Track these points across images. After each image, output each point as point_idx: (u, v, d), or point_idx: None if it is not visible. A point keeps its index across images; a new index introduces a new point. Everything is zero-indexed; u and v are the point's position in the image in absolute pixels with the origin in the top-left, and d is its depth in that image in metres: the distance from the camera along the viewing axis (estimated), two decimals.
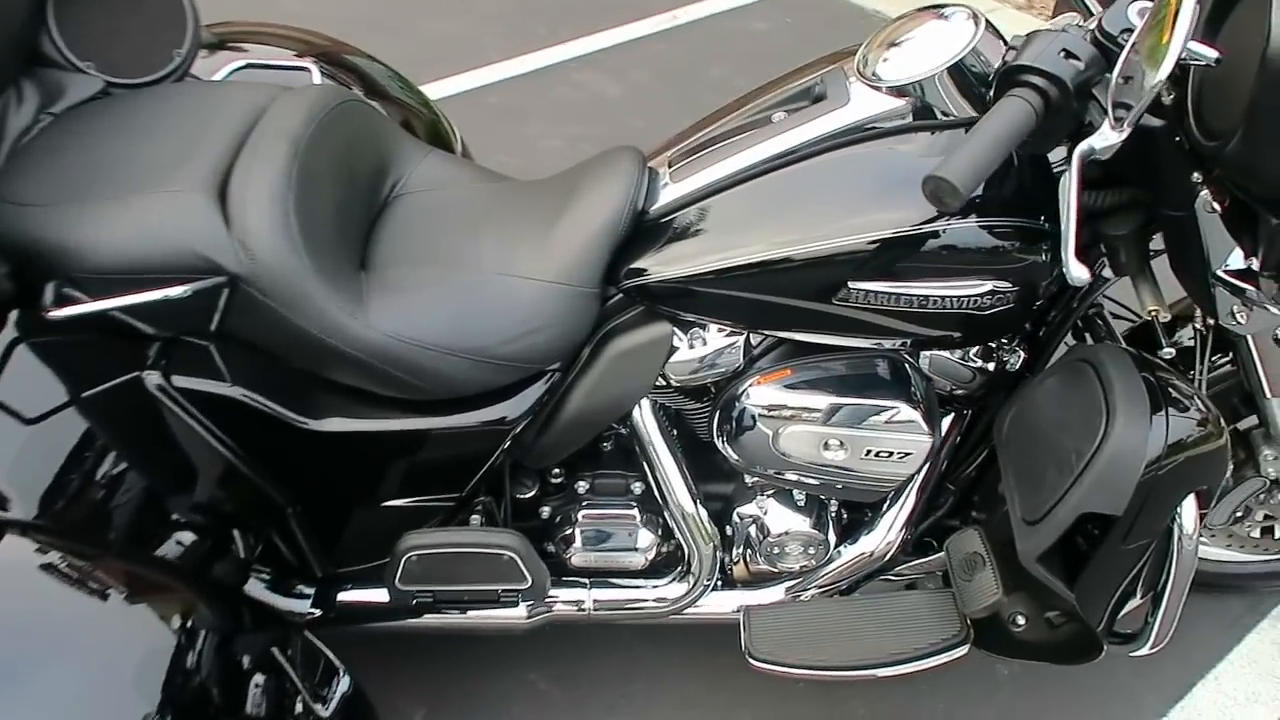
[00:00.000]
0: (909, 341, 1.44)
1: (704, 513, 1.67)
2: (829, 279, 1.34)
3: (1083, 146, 1.15)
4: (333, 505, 1.59)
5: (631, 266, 1.45)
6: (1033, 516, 1.36)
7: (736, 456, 1.55)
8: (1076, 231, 1.17)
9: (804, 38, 3.95)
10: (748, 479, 1.69)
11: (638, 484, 1.71)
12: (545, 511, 1.74)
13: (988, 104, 1.22)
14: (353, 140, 1.52)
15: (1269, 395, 1.58)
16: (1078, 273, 1.18)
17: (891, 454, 1.47)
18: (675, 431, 1.66)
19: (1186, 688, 1.97)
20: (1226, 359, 1.67)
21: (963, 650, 1.62)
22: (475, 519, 1.66)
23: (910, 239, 1.31)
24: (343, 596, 1.68)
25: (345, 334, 1.36)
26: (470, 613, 1.67)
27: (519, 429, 1.53)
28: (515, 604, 1.65)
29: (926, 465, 1.60)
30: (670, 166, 1.49)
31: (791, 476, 1.55)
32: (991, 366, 1.54)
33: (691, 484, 1.66)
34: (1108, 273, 1.49)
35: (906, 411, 1.45)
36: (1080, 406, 1.34)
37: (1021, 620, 1.58)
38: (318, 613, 1.66)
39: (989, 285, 1.32)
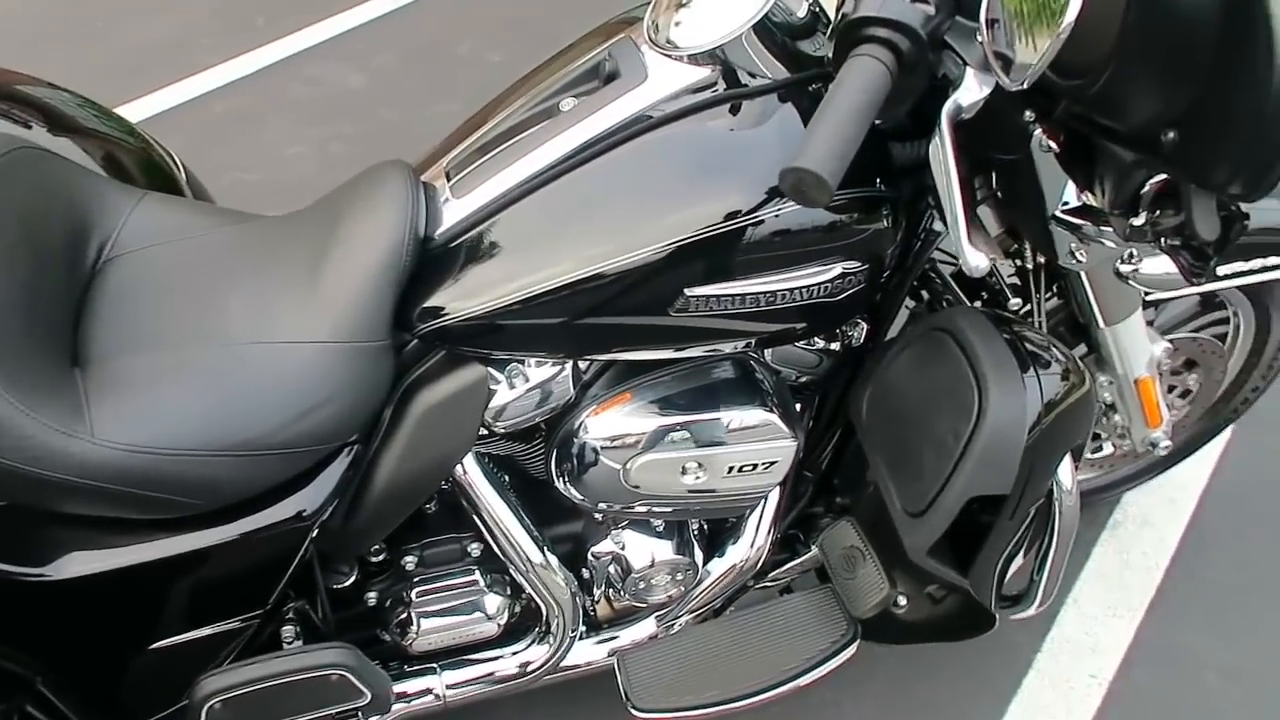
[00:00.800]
0: (753, 341, 1.28)
1: (554, 560, 1.47)
2: (659, 290, 1.16)
3: (949, 106, 1.01)
4: (94, 662, 1.26)
5: (425, 306, 1.20)
6: (916, 508, 1.25)
7: (582, 497, 1.36)
8: (965, 207, 1.03)
9: (556, 3, 3.73)
10: (595, 515, 1.50)
11: (474, 545, 1.48)
12: (371, 598, 1.48)
13: (826, 64, 1.06)
14: (30, 200, 1.18)
15: (1102, 325, 1.54)
16: (974, 258, 1.04)
17: (755, 466, 1.32)
18: (505, 477, 1.45)
19: (1051, 619, 1.97)
20: (1050, 294, 1.63)
21: (853, 649, 1.52)
22: (288, 630, 1.38)
23: (743, 229, 1.14)
24: None
25: (63, 459, 1.05)
26: None
27: (320, 520, 1.27)
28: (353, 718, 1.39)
29: None
30: (449, 180, 1.25)
31: (646, 508, 1.37)
32: (836, 346, 1.41)
33: (535, 532, 1.45)
34: (938, 226, 1.38)
35: (762, 415, 1.29)
36: (946, 381, 1.23)
37: (903, 600, 1.49)
38: None
39: (838, 267, 1.17)
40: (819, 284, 1.17)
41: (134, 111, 2.85)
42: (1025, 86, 0.94)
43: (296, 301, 1.19)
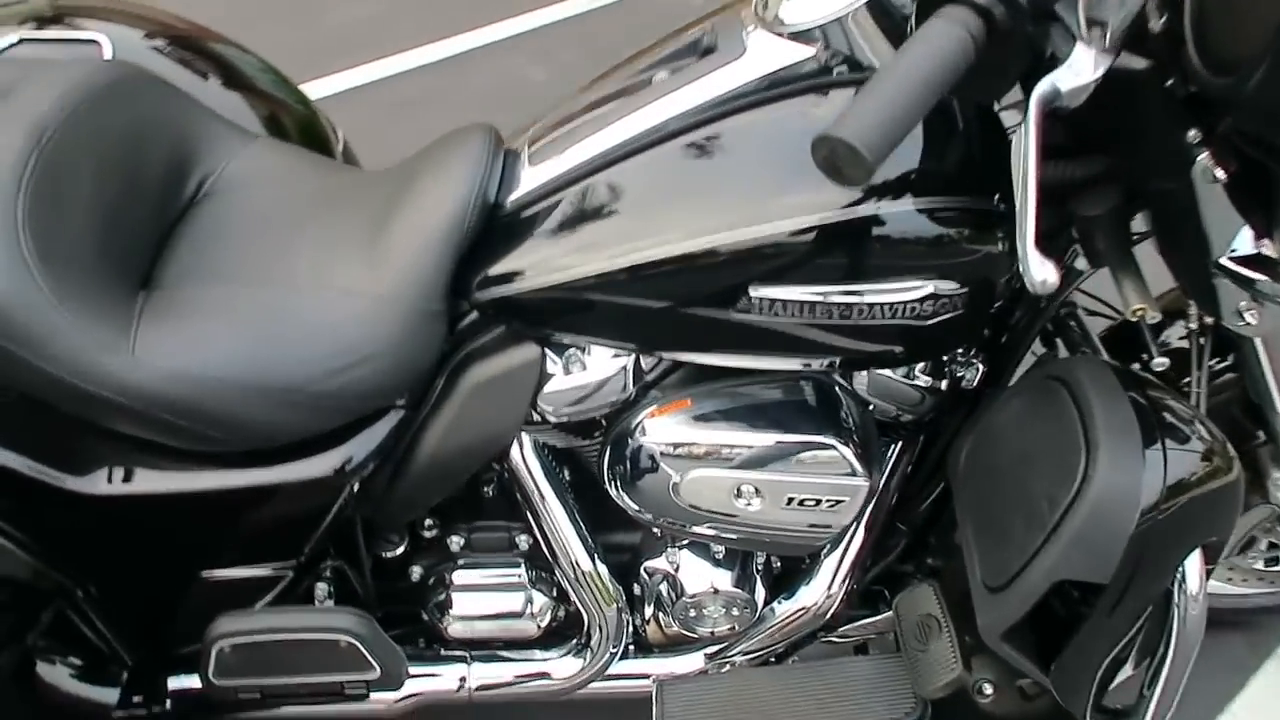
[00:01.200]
0: (837, 360, 1.14)
1: (604, 570, 1.37)
2: (724, 285, 1.04)
3: (1043, 88, 0.84)
4: (133, 582, 1.28)
5: (485, 274, 1.14)
6: (996, 582, 1.07)
7: (635, 506, 1.25)
8: (1037, 213, 0.87)
9: None
10: (654, 528, 1.39)
11: (523, 536, 1.40)
12: (415, 572, 1.43)
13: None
14: (136, 128, 1.21)
15: (1279, 407, 1.29)
16: (1038, 271, 0.87)
17: (819, 502, 1.17)
18: (565, 472, 1.36)
19: None
20: (1225, 363, 1.38)
21: None
22: (321, 588, 1.35)
23: (821, 231, 1.01)
24: (160, 686, 1.36)
25: (103, 376, 1.05)
26: (314, 708, 1.36)
27: (360, 481, 1.23)
28: (363, 697, 1.34)
29: (870, 508, 1.31)
30: (530, 146, 1.19)
31: (703, 530, 1.25)
32: (944, 384, 1.24)
33: (587, 535, 1.36)
34: (1081, 263, 1.19)
35: (835, 449, 1.15)
36: (1052, 439, 1.04)
37: (988, 689, 1.30)
38: (131, 707, 1.35)
39: (928, 287, 1.02)
40: (903, 303, 1.02)
41: (325, 86, 2.99)
42: (1109, 57, 0.76)
43: (359, 254, 1.16)
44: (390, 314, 1.13)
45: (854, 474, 1.16)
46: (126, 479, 1.16)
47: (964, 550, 1.16)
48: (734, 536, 1.25)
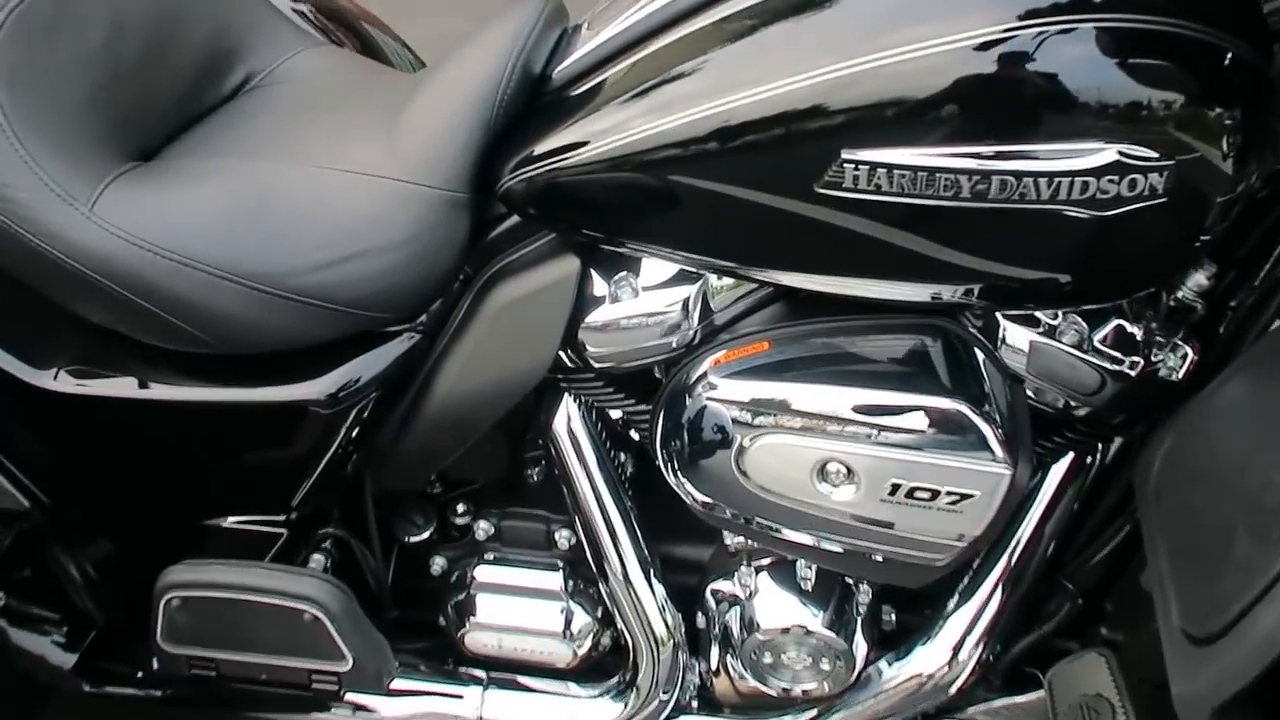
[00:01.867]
0: (973, 292, 0.81)
1: (660, 589, 1.08)
2: (817, 150, 0.75)
3: None
4: (96, 514, 1.08)
5: (519, 156, 0.90)
6: (1204, 630, 0.69)
7: (690, 487, 0.95)
8: None
9: None
10: (727, 538, 1.08)
11: (564, 532, 1.12)
12: (438, 564, 1.18)
13: None
14: (174, 5, 1.07)
15: None
16: None
17: (936, 494, 0.83)
18: (620, 458, 1.09)
19: None
20: None
21: None
22: (317, 560, 1.12)
23: (954, 57, 0.70)
24: (130, 653, 1.15)
25: (52, 229, 0.88)
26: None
27: (361, 421, 0.99)
28: (337, 695, 1.07)
29: (1018, 534, 0.96)
30: (593, 16, 0.95)
31: (774, 528, 0.93)
32: (1135, 368, 0.88)
33: (641, 539, 1.07)
34: None
35: (964, 414, 0.81)
36: None
37: None
38: (89, 674, 1.14)
39: (1111, 151, 0.68)
40: (1072, 175, 0.69)
41: None
42: None
43: (380, 134, 0.96)
44: (398, 198, 0.91)
45: (990, 455, 0.81)
46: (81, 376, 0.97)
47: (1155, 592, 0.78)
48: (815, 543, 0.92)
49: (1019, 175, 0.69)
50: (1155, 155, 0.68)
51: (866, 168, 0.72)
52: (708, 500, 0.95)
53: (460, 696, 1.15)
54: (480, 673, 1.16)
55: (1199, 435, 0.80)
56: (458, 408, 1.00)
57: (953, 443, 0.81)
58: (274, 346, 0.95)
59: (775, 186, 0.77)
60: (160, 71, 1.05)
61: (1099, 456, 1.00)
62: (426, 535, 1.17)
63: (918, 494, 0.83)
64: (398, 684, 1.15)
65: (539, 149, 0.88)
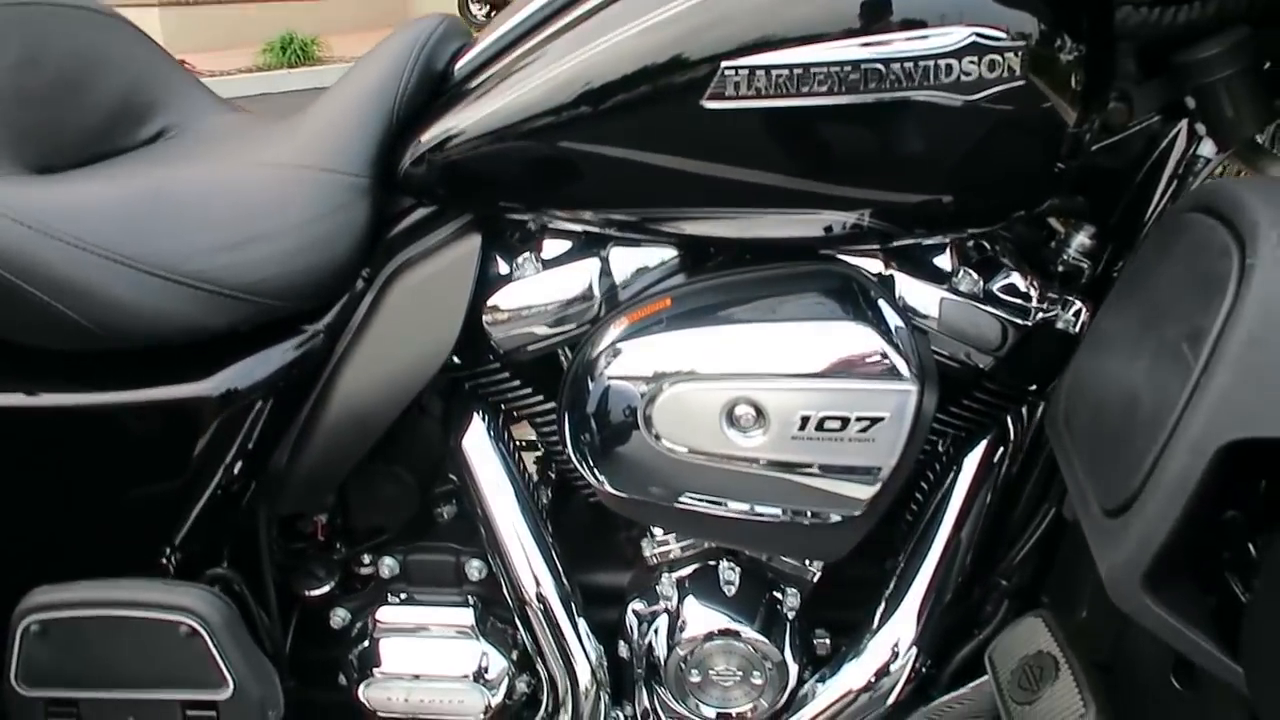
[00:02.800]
0: (863, 229, 0.83)
1: (579, 620, 1.01)
2: (693, 63, 0.78)
3: None
4: None
5: (418, 141, 0.92)
6: (1117, 499, 0.67)
7: (607, 478, 0.90)
8: None
9: None
10: (646, 549, 1.02)
11: (476, 564, 1.05)
12: (338, 617, 1.09)
13: None
14: (89, 51, 1.11)
15: None
16: None
17: (846, 422, 0.81)
18: (532, 479, 1.05)
19: None
20: None
21: None
22: None
23: None
24: None
25: None
26: None
27: (250, 427, 0.95)
28: None
29: (944, 534, 0.95)
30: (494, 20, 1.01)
31: (697, 505, 0.89)
32: (1027, 316, 0.89)
33: (559, 568, 1.01)
34: (1206, 149, 0.88)
35: (865, 334, 0.81)
36: (1189, 272, 0.69)
37: None
38: None
39: (968, 32, 0.73)
40: (937, 54, 0.73)
41: None
42: None
43: (279, 131, 0.98)
44: (296, 181, 0.92)
45: (895, 374, 0.80)
46: None
47: (1076, 508, 0.76)
48: (734, 513, 0.88)
49: (886, 62, 0.73)
50: (1006, 35, 0.73)
51: (746, 72, 0.76)
52: (626, 492, 0.91)
53: None
54: None
55: (1094, 356, 0.80)
56: (359, 404, 0.96)
57: (857, 365, 0.81)
58: (166, 337, 0.91)
59: (664, 111, 0.80)
60: (69, 109, 1.07)
61: (1013, 444, 1.00)
62: (329, 588, 1.09)
63: (828, 424, 0.81)
64: None
65: (431, 132, 0.91)
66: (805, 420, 0.81)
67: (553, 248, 0.94)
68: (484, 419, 1.02)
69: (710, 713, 0.99)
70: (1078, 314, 0.91)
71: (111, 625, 0.90)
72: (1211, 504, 0.65)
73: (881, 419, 0.80)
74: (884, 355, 0.80)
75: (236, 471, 0.97)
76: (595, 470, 0.91)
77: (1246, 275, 0.61)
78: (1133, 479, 0.66)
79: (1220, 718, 0.77)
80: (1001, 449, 0.99)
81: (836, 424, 0.81)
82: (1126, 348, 0.75)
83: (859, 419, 0.80)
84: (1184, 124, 0.90)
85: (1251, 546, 0.69)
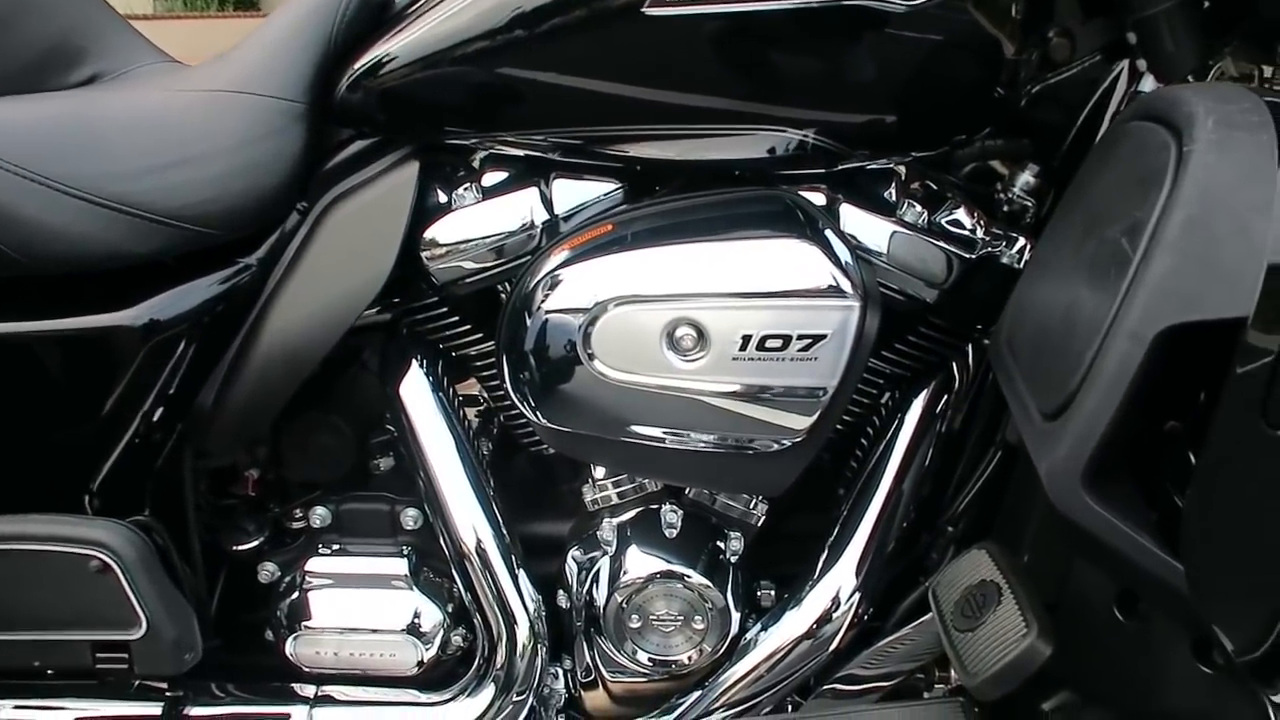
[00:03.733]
0: (807, 151, 0.82)
1: (518, 569, 0.97)
2: None
3: None
4: None
5: (354, 67, 0.90)
6: (1055, 402, 0.66)
7: (547, 415, 0.88)
8: None
9: None
10: (586, 496, 0.99)
11: (412, 512, 1.02)
12: (267, 570, 1.04)
13: None
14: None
15: None
16: None
17: (787, 340, 0.79)
18: (473, 425, 1.02)
19: None
20: None
21: None
22: None
23: None
24: None
25: None
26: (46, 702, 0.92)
27: (176, 363, 0.91)
28: (128, 682, 0.90)
29: (887, 480, 0.94)
30: None
31: (638, 438, 0.86)
32: (971, 249, 0.89)
33: (498, 516, 0.98)
34: (1147, 85, 0.89)
35: (806, 250, 0.80)
36: (1130, 174, 0.69)
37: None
38: None
39: None
40: None
41: None
42: None
43: (213, 63, 0.96)
44: (227, 105, 0.89)
45: (837, 290, 0.79)
46: None
47: (1020, 426, 0.75)
48: (675, 442, 0.86)
49: None
50: None
51: None
52: (567, 426, 0.88)
53: (285, 717, 0.98)
54: (309, 689, 1.00)
55: (1036, 277, 0.80)
56: (290, 340, 0.93)
57: (798, 282, 0.79)
58: (87, 263, 0.88)
59: (604, 23, 0.79)
60: None
61: (957, 391, 0.99)
62: (258, 543, 1.05)
63: (769, 344, 0.79)
64: (211, 708, 0.99)
65: (366, 58, 0.89)
66: (746, 340, 0.80)
67: (493, 178, 0.92)
68: (422, 365, 0.99)
69: (650, 660, 0.96)
70: (1021, 251, 0.91)
71: (15, 561, 0.85)
72: (1150, 406, 0.65)
73: (824, 337, 0.79)
74: (825, 271, 0.79)
75: (161, 410, 0.93)
76: (535, 405, 0.88)
77: (1184, 161, 0.61)
78: (1072, 379, 0.65)
79: (1160, 644, 0.77)
80: (946, 395, 0.98)
81: (778, 343, 0.79)
82: (1067, 261, 0.75)
83: (800, 337, 0.79)
84: (1125, 64, 0.90)
85: (1191, 457, 0.68)
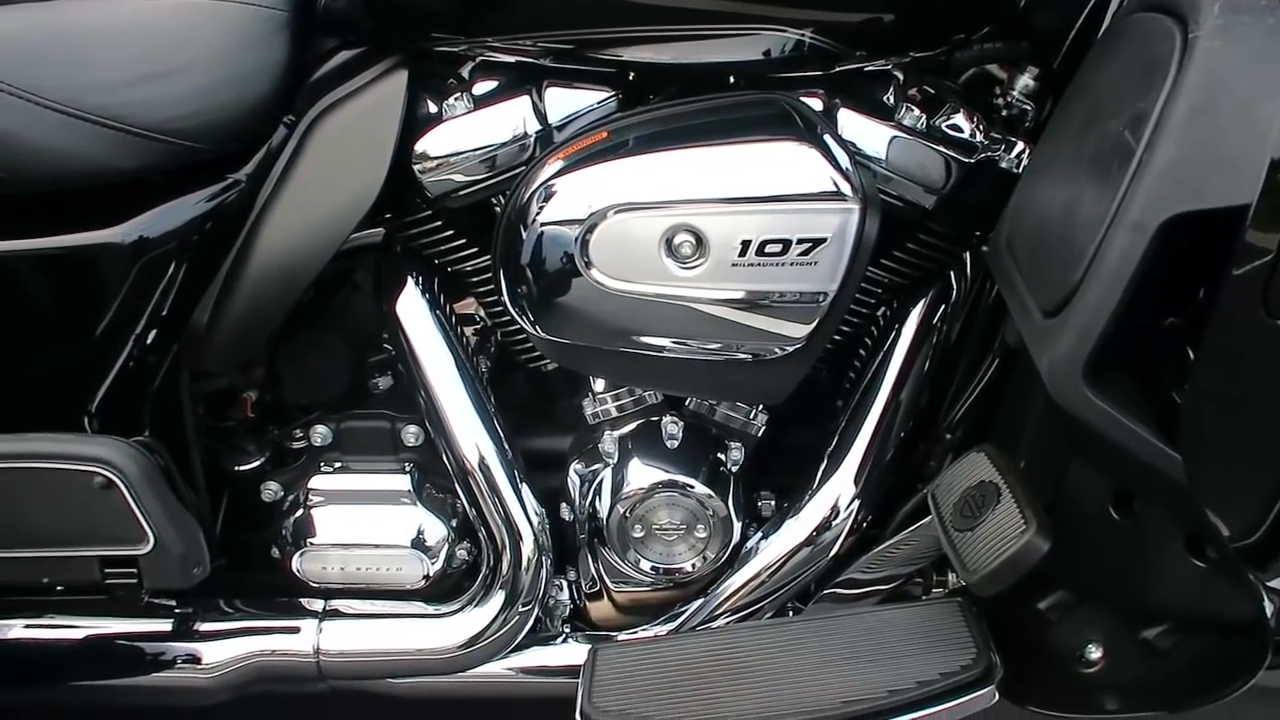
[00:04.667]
0: (804, 51, 0.81)
1: (520, 482, 0.98)
2: None
3: None
4: None
5: None
6: (1058, 296, 0.66)
7: (545, 327, 0.87)
8: None
9: None
10: (587, 407, 1.00)
11: (413, 429, 1.02)
12: (270, 490, 1.05)
13: None
14: None
15: None
16: None
17: (787, 245, 0.79)
18: (472, 341, 1.02)
19: None
20: None
21: (983, 693, 0.83)
22: None
23: None
24: None
25: None
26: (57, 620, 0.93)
27: (169, 281, 0.90)
28: (137, 597, 0.92)
29: (886, 387, 0.95)
30: None
31: (638, 347, 0.86)
32: (970, 153, 0.88)
33: (499, 430, 0.98)
34: None
35: (805, 150, 0.79)
36: (1135, 66, 0.68)
37: (1095, 652, 0.82)
38: None
39: None
40: None
41: None
42: None
43: None
44: (210, 14, 0.87)
45: (836, 193, 0.78)
46: None
47: (1019, 325, 0.75)
48: (676, 351, 0.86)
49: None
50: None
51: None
52: (566, 338, 0.88)
53: (295, 630, 1.00)
54: (317, 603, 1.02)
55: (1036, 177, 0.79)
56: (282, 256, 0.92)
57: (797, 186, 0.78)
58: (71, 180, 0.86)
59: None
60: None
61: (955, 300, 0.98)
62: (259, 463, 1.06)
63: (768, 249, 0.79)
64: (220, 624, 1.00)
65: None
66: (745, 245, 0.79)
67: (484, 87, 0.90)
68: (418, 281, 0.98)
69: (653, 569, 0.98)
70: (1020, 156, 0.90)
71: (20, 479, 0.85)
72: (1151, 301, 0.65)
73: (823, 240, 0.78)
74: (825, 175, 0.78)
75: (154, 330, 0.92)
76: (533, 318, 0.88)
77: (1189, 48, 0.60)
78: (1073, 274, 0.65)
79: (1155, 542, 0.78)
80: (944, 305, 0.98)
81: (777, 248, 0.79)
82: (1068, 157, 0.74)
83: (800, 241, 0.78)
84: None
85: (1190, 353, 0.69)
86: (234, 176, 0.91)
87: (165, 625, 0.98)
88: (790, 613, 0.98)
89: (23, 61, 0.83)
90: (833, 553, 0.96)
